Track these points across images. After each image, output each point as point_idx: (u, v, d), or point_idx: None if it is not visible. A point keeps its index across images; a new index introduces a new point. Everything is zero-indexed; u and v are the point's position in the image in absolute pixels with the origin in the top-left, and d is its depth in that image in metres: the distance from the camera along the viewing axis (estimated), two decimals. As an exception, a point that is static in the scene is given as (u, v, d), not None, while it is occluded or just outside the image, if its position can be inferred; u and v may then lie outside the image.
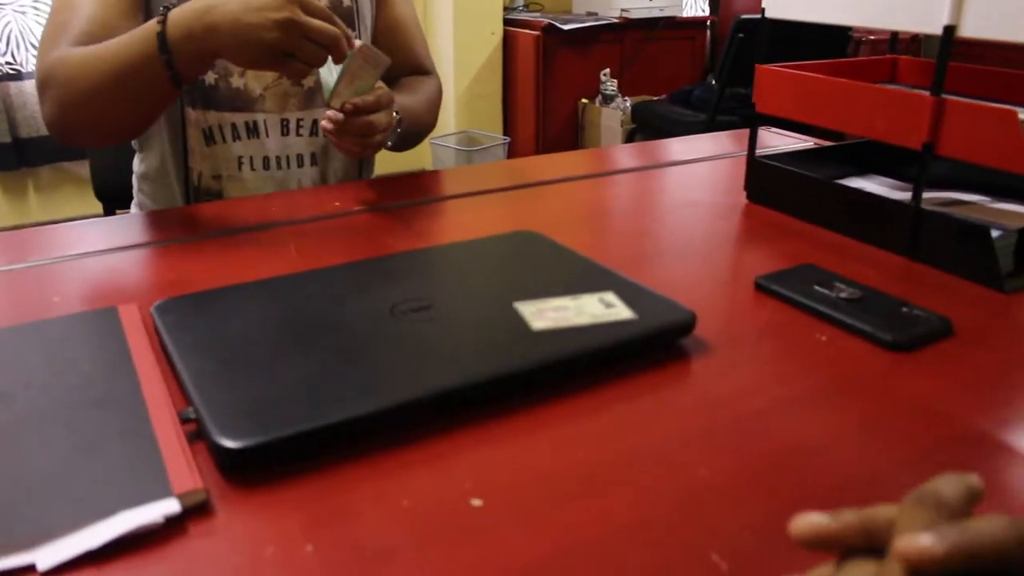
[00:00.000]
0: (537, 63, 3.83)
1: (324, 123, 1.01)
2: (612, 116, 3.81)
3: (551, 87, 3.90)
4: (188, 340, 0.63)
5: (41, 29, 3.15)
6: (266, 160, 1.20)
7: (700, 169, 1.26)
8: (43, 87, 0.98)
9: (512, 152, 4.08)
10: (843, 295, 0.77)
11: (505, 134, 4.11)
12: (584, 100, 3.97)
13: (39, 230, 1.01)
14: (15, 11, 3.37)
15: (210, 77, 1.15)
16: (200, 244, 0.93)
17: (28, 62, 3.41)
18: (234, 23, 0.84)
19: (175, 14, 0.89)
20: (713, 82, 3.41)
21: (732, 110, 3.31)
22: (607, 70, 3.92)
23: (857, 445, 0.56)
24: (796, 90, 1.00)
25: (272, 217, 1.02)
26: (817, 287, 0.79)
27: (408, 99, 1.20)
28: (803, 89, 1.00)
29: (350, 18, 1.24)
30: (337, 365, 0.59)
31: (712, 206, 1.08)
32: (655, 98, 3.86)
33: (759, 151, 1.08)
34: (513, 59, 4.02)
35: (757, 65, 1.04)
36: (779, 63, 1.04)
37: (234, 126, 1.18)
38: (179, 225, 1.01)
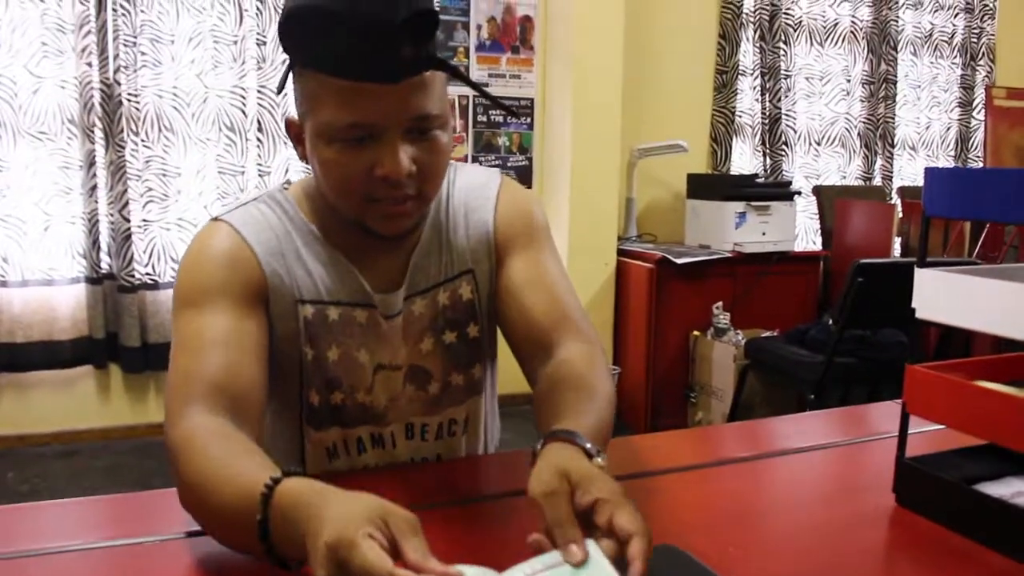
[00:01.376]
0: (649, 294, 3.87)
1: None
2: (724, 350, 3.77)
3: (663, 318, 3.91)
4: None
5: (182, 247, 3.43)
6: (391, 465, 1.16)
7: (836, 457, 1.20)
8: (173, 456, 0.88)
9: (622, 383, 4.05)
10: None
11: (615, 364, 4.11)
12: (696, 333, 3.95)
13: (155, 496, 0.99)
14: (161, 228, 3.64)
15: (336, 397, 1.10)
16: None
17: (166, 274, 3.65)
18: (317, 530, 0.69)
19: (284, 493, 0.75)
20: (829, 322, 3.36)
21: (849, 352, 3.23)
22: (719, 303, 3.93)
23: None
24: (951, 396, 0.95)
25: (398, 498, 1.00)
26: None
27: (587, 417, 0.92)
28: (959, 397, 0.94)
29: (471, 310, 1.15)
30: None
31: (858, 510, 1.01)
32: (768, 333, 3.81)
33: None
34: (625, 289, 4.08)
35: (908, 366, 1.00)
36: (929, 363, 0.99)
37: (360, 439, 1.14)
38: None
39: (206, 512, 0.83)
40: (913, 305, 1.00)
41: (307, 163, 1.02)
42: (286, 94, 3.46)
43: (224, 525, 0.82)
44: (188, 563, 0.83)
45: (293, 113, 1.04)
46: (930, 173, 0.98)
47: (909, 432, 1.01)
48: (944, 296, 0.97)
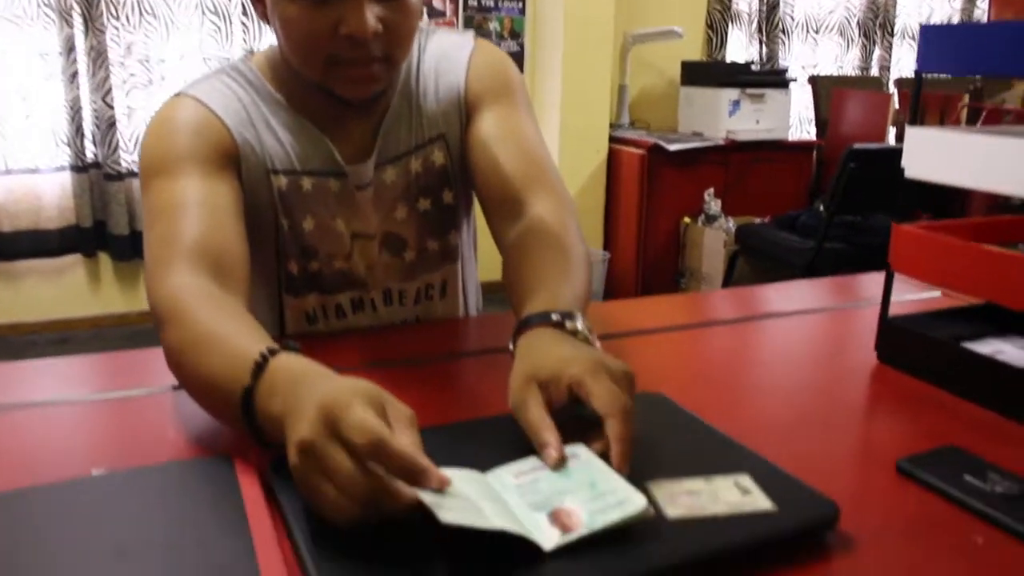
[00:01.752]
0: (641, 181, 3.86)
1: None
2: (715, 237, 3.78)
3: (654, 205, 3.90)
4: (307, 510, 0.60)
5: None
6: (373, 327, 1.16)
7: (821, 320, 1.21)
8: (158, 320, 0.85)
9: (612, 269, 4.07)
10: (999, 488, 0.71)
11: (606, 250, 4.11)
12: (687, 219, 3.95)
13: (145, 353, 1.00)
14: (146, 115, 3.58)
15: (313, 266, 1.09)
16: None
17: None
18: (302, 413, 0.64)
19: (274, 370, 0.71)
20: (821, 208, 3.35)
21: (840, 237, 3.24)
22: (711, 190, 3.91)
23: None
24: (937, 255, 0.96)
25: (376, 357, 1.02)
26: (968, 477, 0.72)
27: (566, 286, 0.91)
28: (944, 254, 0.95)
29: (444, 176, 1.14)
30: (465, 545, 0.56)
31: (841, 366, 1.03)
32: (759, 220, 3.81)
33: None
34: (617, 176, 4.05)
35: (894, 224, 1.00)
36: (911, 222, 1.00)
37: (339, 305, 1.13)
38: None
39: (193, 377, 0.79)
40: (903, 164, 0.99)
41: (268, 24, 0.98)
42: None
43: (210, 392, 0.77)
44: (178, 414, 0.84)
45: None
46: (925, 29, 0.96)
47: (894, 299, 1.01)
48: (935, 154, 0.96)
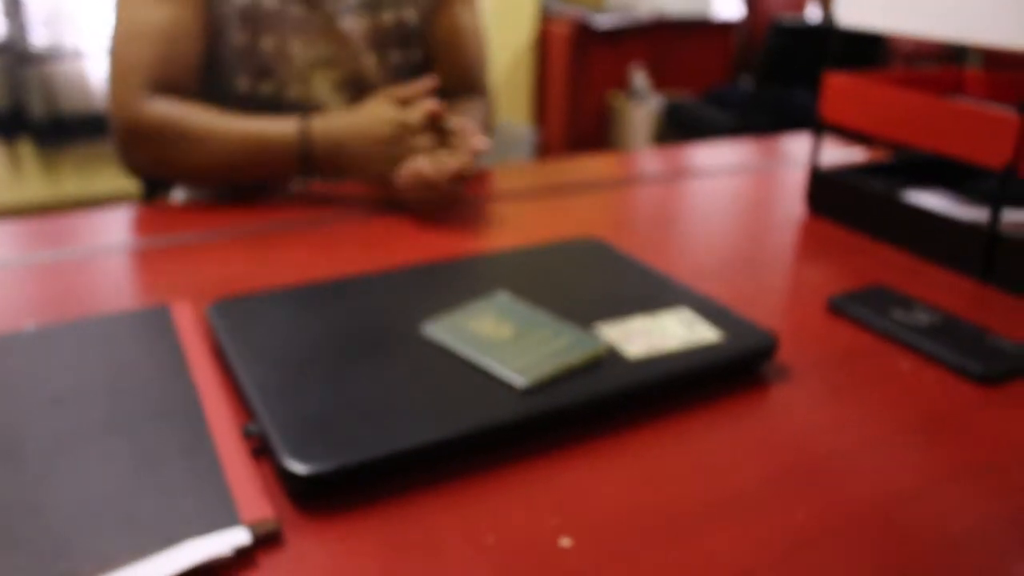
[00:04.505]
0: (569, 58, 3.79)
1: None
2: (643, 112, 3.76)
3: (582, 82, 3.86)
4: (249, 347, 0.60)
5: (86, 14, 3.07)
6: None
7: (751, 178, 1.23)
8: (134, 137, 0.98)
9: (543, 144, 4.04)
10: (922, 321, 0.73)
11: (535, 126, 4.07)
12: (615, 97, 3.92)
13: (76, 217, 0.98)
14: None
15: (266, 87, 1.09)
16: (250, 239, 0.91)
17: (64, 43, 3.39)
18: (365, 163, 0.97)
19: (318, 142, 0.96)
20: (746, 83, 3.36)
21: (765, 111, 3.26)
22: (638, 66, 3.88)
23: (956, 493, 0.52)
24: (868, 102, 0.96)
25: (323, 211, 0.99)
26: (895, 311, 0.75)
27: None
28: (876, 101, 0.96)
29: (417, 35, 1.18)
30: (411, 382, 0.56)
31: (771, 217, 1.04)
32: (686, 96, 3.81)
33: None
34: (546, 53, 3.98)
35: (826, 72, 1.00)
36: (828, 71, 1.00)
37: None
38: (225, 218, 0.98)
39: (221, 153, 0.96)
40: (837, 13, 0.99)
41: None
42: None
43: (250, 160, 0.96)
44: (111, 273, 0.81)
45: None
46: None
47: (822, 158, 1.03)
48: (867, 1, 0.96)
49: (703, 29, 4.10)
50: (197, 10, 1.02)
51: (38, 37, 3.36)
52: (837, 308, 0.77)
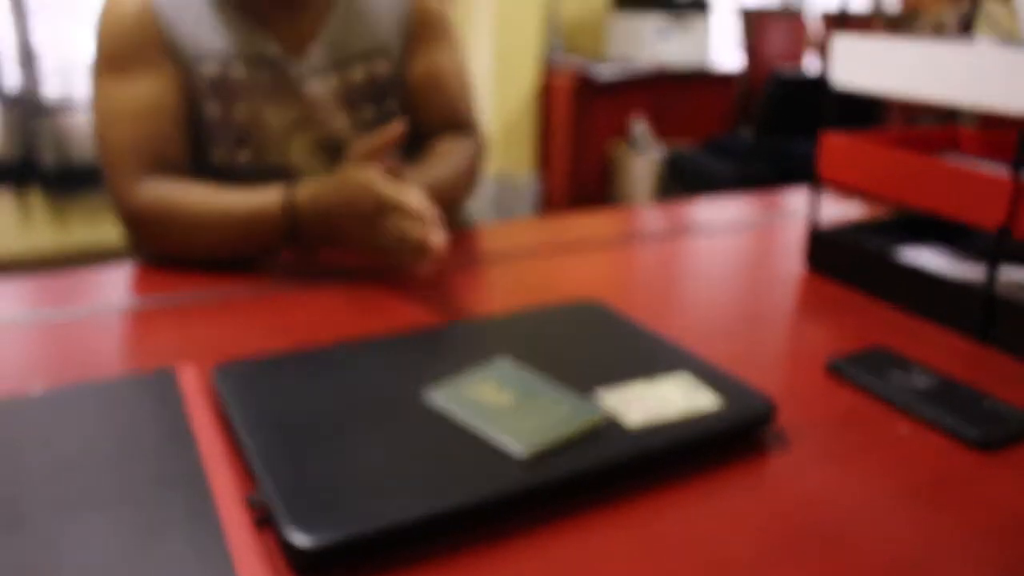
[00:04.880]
0: (571, 108, 3.84)
1: None
2: (644, 162, 3.80)
3: (584, 132, 3.90)
4: (252, 412, 0.60)
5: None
6: None
7: (751, 234, 1.24)
8: (134, 225, 1.01)
9: (545, 193, 4.07)
10: (921, 385, 0.74)
11: (539, 176, 4.11)
12: (616, 145, 3.96)
13: (81, 274, 0.99)
14: (70, 45, 3.38)
15: (243, 155, 1.09)
16: (248, 300, 0.92)
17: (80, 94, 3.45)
18: (349, 233, 0.95)
19: (304, 215, 0.97)
20: (746, 133, 3.40)
21: (765, 160, 3.30)
22: (639, 116, 3.92)
23: (956, 560, 0.52)
24: (865, 162, 0.98)
25: (318, 274, 1.01)
26: (894, 375, 0.76)
27: (434, 170, 1.12)
28: (873, 162, 0.97)
29: (388, 86, 1.17)
30: (413, 450, 0.57)
31: (771, 275, 1.05)
32: (687, 145, 3.85)
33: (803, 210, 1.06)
34: (548, 103, 4.03)
35: (822, 133, 1.02)
36: (833, 130, 1.02)
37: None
38: (222, 279, 0.99)
39: (213, 234, 0.98)
40: (832, 74, 1.01)
41: None
42: None
43: (241, 237, 0.98)
44: (116, 334, 0.82)
45: None
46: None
47: (822, 213, 1.04)
48: (862, 63, 0.98)
49: (703, 79, 4.15)
50: (173, 83, 1.04)
51: (51, 88, 3.41)
52: (836, 371, 0.78)
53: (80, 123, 3.47)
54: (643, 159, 3.81)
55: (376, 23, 1.15)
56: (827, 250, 1.04)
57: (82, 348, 0.79)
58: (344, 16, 1.13)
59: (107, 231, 3.63)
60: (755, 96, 4.04)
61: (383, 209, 0.91)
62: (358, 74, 1.14)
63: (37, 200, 3.55)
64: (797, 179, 3.43)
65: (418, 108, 1.20)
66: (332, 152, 1.14)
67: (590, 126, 3.92)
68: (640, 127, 3.90)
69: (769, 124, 3.12)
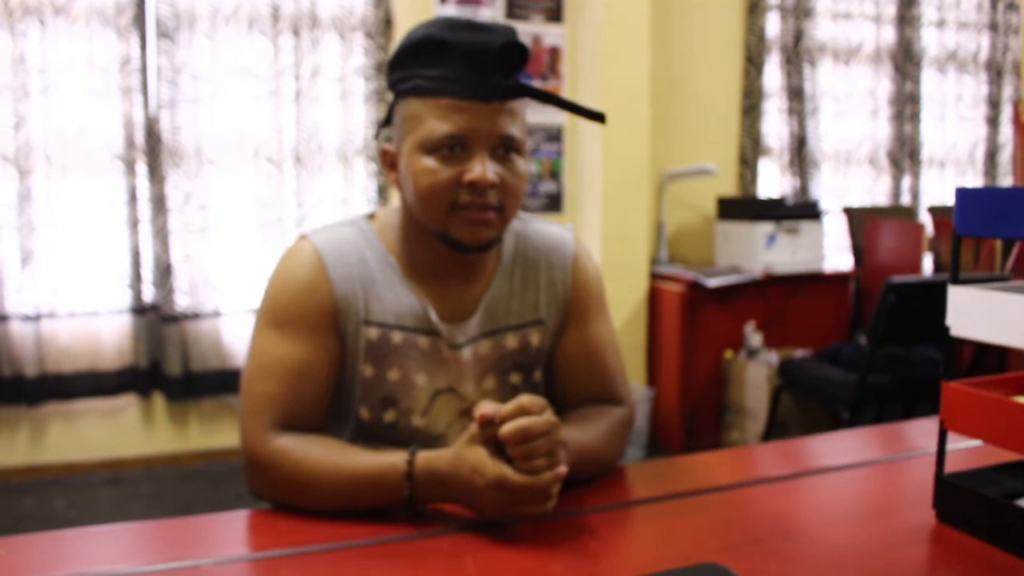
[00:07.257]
0: (682, 316, 3.90)
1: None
2: (758, 370, 3.78)
3: (695, 340, 3.93)
4: None
5: (221, 278, 3.42)
6: None
7: (875, 475, 1.23)
8: (258, 471, 1.08)
9: (656, 405, 4.07)
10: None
11: (650, 385, 4.13)
12: (729, 354, 3.97)
13: (196, 521, 1.06)
14: (202, 260, 3.71)
15: (389, 415, 1.17)
16: (357, 552, 0.97)
17: (206, 304, 3.72)
18: (465, 503, 1.02)
19: (421, 488, 1.02)
20: (862, 340, 3.36)
21: (884, 370, 3.24)
22: (751, 323, 3.94)
23: None
24: (987, 414, 0.98)
25: (429, 526, 1.04)
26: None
27: (584, 431, 1.14)
28: (995, 412, 0.97)
29: (538, 357, 1.24)
30: None
31: (899, 527, 1.03)
32: (801, 353, 3.82)
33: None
34: (658, 312, 4.10)
35: (944, 383, 1.03)
36: (964, 379, 1.03)
37: None
38: (333, 527, 1.02)
39: (332, 489, 1.03)
40: (947, 323, 1.03)
41: (398, 188, 1.13)
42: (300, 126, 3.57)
43: (359, 494, 1.03)
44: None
45: (375, 143, 1.17)
46: (960, 193, 1.02)
47: (948, 448, 1.03)
48: (977, 313, 1.00)
49: (815, 285, 4.17)
50: (328, 351, 1.13)
51: (181, 298, 3.70)
52: (975, 642, 0.76)
53: (205, 330, 3.73)
54: (757, 367, 3.80)
55: (536, 295, 1.23)
56: (956, 499, 1.02)
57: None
58: (507, 286, 1.21)
59: (222, 435, 3.83)
60: (870, 299, 4.02)
61: (493, 486, 0.96)
62: (511, 342, 1.21)
63: (159, 404, 3.78)
64: (921, 389, 3.34)
65: (572, 379, 1.25)
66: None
67: (701, 333, 3.95)
68: (753, 334, 3.92)
69: (886, 332, 3.08)
